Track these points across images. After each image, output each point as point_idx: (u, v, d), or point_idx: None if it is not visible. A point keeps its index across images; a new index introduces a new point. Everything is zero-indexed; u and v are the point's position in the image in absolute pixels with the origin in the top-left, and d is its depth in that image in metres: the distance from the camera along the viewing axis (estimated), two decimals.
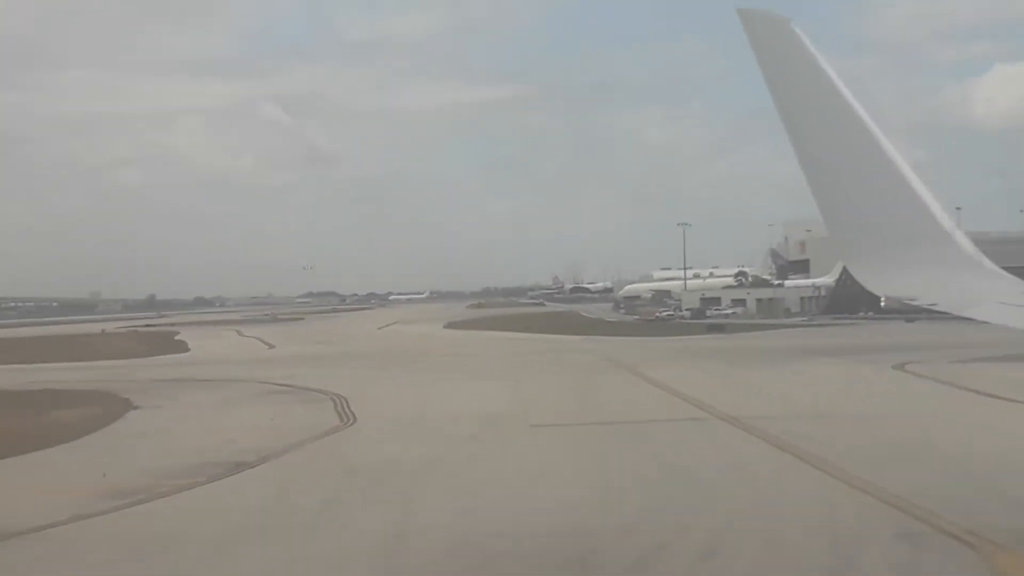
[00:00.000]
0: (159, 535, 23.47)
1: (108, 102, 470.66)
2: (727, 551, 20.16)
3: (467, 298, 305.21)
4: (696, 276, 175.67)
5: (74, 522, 24.24)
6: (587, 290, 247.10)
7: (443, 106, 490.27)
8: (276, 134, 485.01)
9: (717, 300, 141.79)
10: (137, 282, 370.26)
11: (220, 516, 25.42)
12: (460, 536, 22.06)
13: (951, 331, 65.86)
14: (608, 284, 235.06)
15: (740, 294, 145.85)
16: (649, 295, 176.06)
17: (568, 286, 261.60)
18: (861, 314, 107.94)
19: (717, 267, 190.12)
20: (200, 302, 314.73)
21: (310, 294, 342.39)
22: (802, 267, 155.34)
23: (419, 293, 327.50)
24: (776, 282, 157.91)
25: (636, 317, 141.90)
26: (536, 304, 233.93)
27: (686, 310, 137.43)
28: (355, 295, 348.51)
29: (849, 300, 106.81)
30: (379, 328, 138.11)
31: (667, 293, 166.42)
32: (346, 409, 44.91)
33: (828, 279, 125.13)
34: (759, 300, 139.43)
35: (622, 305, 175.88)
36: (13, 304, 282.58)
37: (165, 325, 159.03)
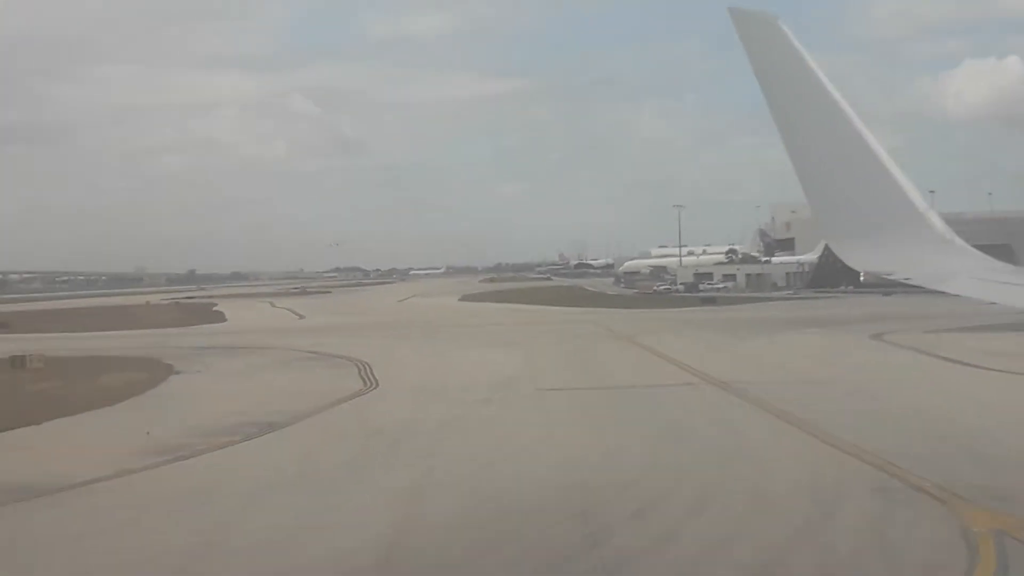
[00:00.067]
0: (198, 488, 23.58)
1: (153, 94, 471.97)
2: (717, 503, 20.20)
3: (480, 273, 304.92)
4: (690, 253, 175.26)
5: (121, 476, 24.40)
6: (590, 266, 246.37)
7: (457, 99, 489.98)
8: (306, 124, 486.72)
9: (709, 275, 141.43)
10: (179, 258, 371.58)
11: (254, 471, 25.57)
12: (475, 490, 22.14)
13: (924, 304, 65.75)
14: (609, 260, 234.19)
15: (731, 270, 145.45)
16: (647, 270, 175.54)
17: (573, 262, 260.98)
18: (842, 288, 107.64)
19: (710, 245, 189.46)
20: (236, 276, 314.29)
21: (337, 269, 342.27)
22: (788, 245, 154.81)
23: (437, 268, 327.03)
24: (764, 259, 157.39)
25: (635, 291, 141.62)
26: (544, 279, 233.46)
27: (681, 284, 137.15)
28: (378, 270, 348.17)
29: (831, 275, 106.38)
30: (399, 300, 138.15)
31: (664, 269, 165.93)
32: (369, 374, 44.99)
33: (811, 256, 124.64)
34: (748, 275, 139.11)
35: (622, 280, 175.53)
36: (65, 278, 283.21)
37: (204, 297, 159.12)
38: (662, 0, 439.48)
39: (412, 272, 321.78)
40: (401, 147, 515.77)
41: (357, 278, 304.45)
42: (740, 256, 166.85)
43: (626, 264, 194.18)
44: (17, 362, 50.50)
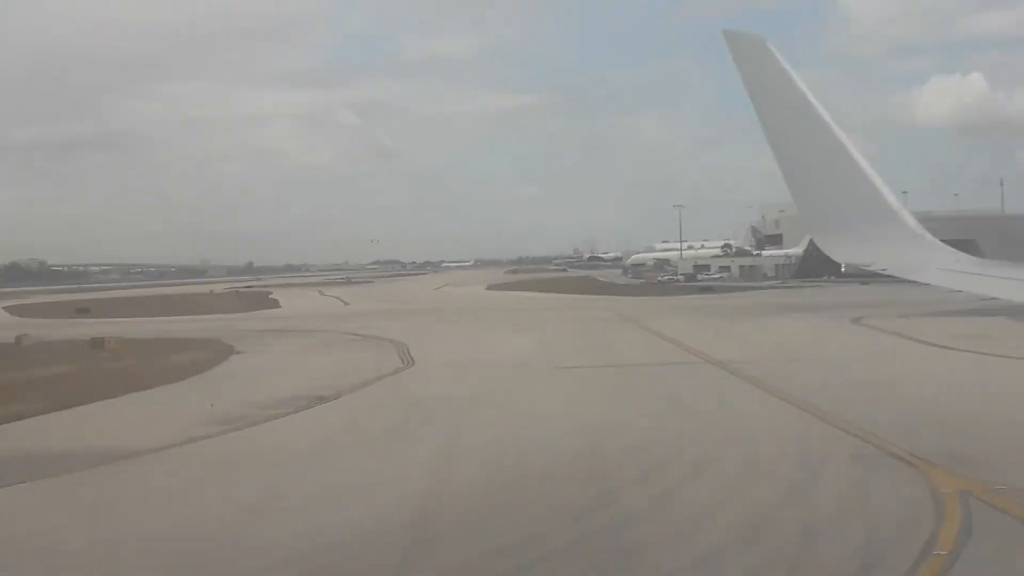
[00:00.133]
0: (257, 453, 23.85)
1: (215, 108, 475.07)
2: (713, 467, 20.21)
3: (504, 265, 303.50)
4: (690, 247, 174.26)
5: (188, 443, 24.58)
6: (601, 259, 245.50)
7: (482, 111, 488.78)
8: (349, 134, 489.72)
9: (707, 267, 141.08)
10: (238, 251, 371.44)
11: (306, 438, 25.78)
12: (499, 456, 22.20)
13: (898, 292, 65.31)
14: (618, 254, 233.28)
15: (726, 262, 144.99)
16: (652, 263, 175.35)
17: (586, 255, 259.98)
18: (825, 278, 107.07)
19: (707, 240, 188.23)
20: (289, 268, 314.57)
21: (377, 262, 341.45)
22: (776, 240, 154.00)
23: (466, 261, 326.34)
24: (755, 252, 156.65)
25: (641, 281, 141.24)
26: (560, 270, 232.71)
27: (681, 275, 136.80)
28: (414, 262, 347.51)
29: (815, 266, 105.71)
30: (434, 289, 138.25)
31: (666, 261, 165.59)
32: (407, 354, 45.10)
33: (797, 249, 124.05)
34: (741, 267, 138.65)
35: (630, 271, 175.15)
36: (139, 269, 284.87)
37: (261, 287, 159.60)
38: (664, 22, 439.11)
39: (444, 264, 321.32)
40: (432, 154, 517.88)
41: (396, 270, 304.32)
42: (734, 250, 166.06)
43: (633, 257, 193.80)
44: (97, 343, 50.91)
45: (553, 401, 30.42)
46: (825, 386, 31.15)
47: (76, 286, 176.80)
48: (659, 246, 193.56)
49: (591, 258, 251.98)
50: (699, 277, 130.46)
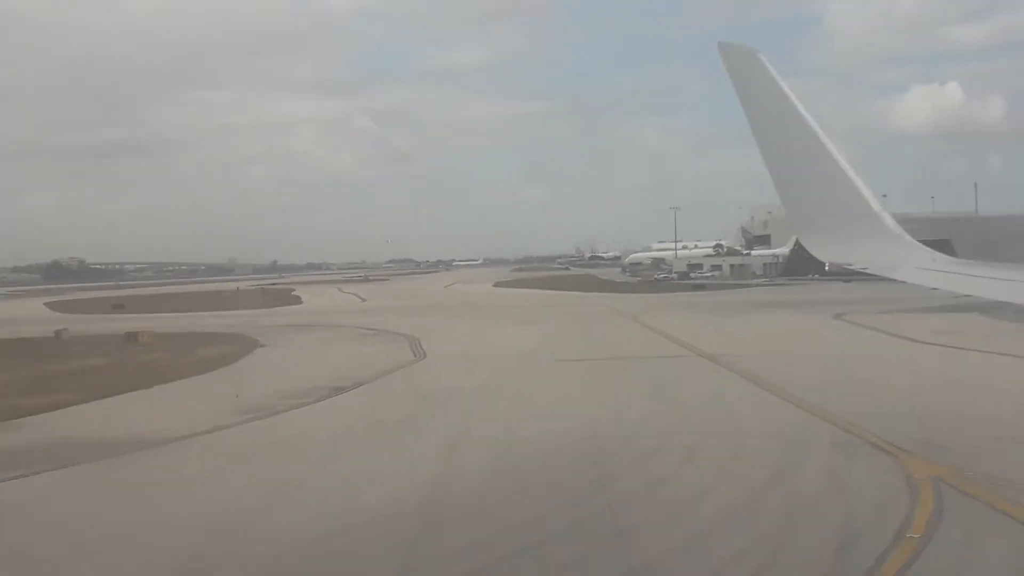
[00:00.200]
0: (279, 440, 23.80)
1: (242, 114, 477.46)
2: (703, 454, 20.11)
3: (511, 264, 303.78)
4: (684, 247, 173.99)
5: (215, 431, 24.60)
6: (601, 258, 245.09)
7: (491, 117, 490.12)
8: (367, 139, 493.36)
9: (700, 265, 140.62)
10: (263, 250, 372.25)
11: (325, 426, 25.73)
12: (505, 442, 22.17)
13: (878, 289, 65.05)
14: (617, 253, 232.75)
15: (718, 261, 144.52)
16: (649, 262, 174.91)
17: (587, 255, 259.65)
18: (810, 276, 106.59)
19: (700, 240, 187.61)
20: (311, 266, 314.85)
21: (392, 260, 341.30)
22: (765, 240, 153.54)
23: (475, 260, 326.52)
24: (745, 252, 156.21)
25: (638, 279, 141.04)
26: (563, 269, 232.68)
27: (676, 273, 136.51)
28: (427, 261, 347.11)
29: (801, 265, 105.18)
30: (445, 287, 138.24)
31: (662, 260, 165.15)
32: (419, 347, 45.06)
33: (784, 249, 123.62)
34: (732, 266, 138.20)
35: (628, 269, 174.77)
36: (171, 268, 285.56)
37: (284, 284, 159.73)
38: (663, 34, 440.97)
39: (455, 263, 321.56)
40: (444, 158, 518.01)
41: (409, 268, 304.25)
42: (725, 249, 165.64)
43: (631, 256, 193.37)
44: (131, 337, 50.98)
45: (554, 392, 30.26)
46: (808, 378, 31.03)
47: (113, 284, 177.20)
48: (655, 246, 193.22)
49: (592, 257, 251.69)
50: (692, 275, 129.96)
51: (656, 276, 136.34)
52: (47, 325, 64.11)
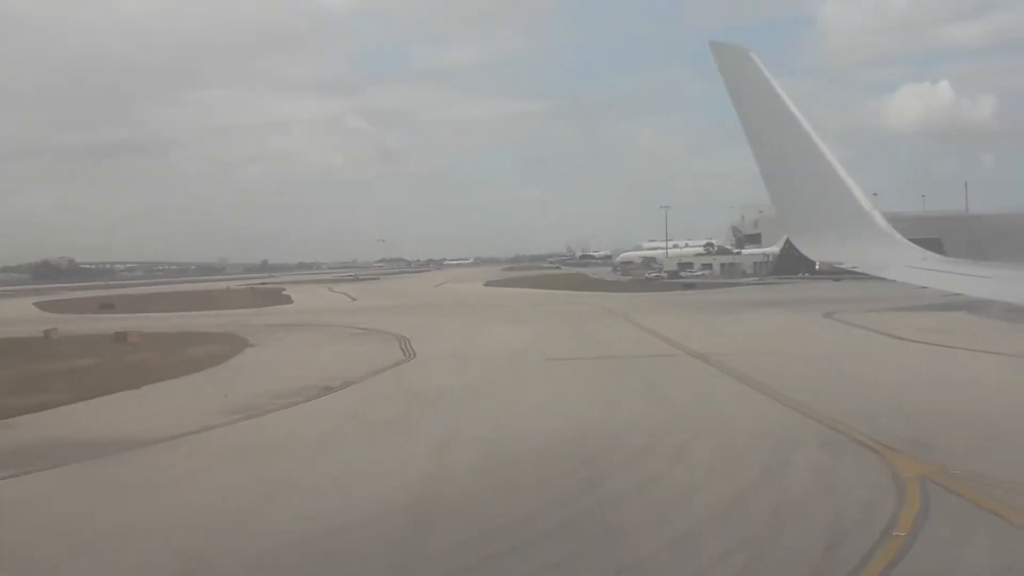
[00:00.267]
0: (268, 440, 23.70)
1: (238, 114, 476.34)
2: (693, 453, 20.10)
3: (502, 263, 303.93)
4: (675, 246, 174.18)
5: (204, 431, 24.49)
6: (592, 257, 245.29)
7: (487, 118, 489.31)
8: (360, 139, 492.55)
9: (690, 264, 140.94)
10: (254, 250, 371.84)
11: (315, 426, 25.62)
12: (495, 441, 22.14)
13: (868, 288, 65.28)
14: (608, 252, 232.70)
15: (708, 260, 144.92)
16: (640, 260, 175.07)
17: (578, 254, 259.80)
18: (800, 275, 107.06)
19: (691, 239, 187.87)
20: (302, 266, 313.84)
21: (383, 260, 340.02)
22: (755, 239, 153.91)
23: (466, 259, 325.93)
24: (735, 251, 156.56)
25: (629, 278, 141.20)
26: (554, 268, 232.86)
27: (666, 272, 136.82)
28: (417, 260, 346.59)
29: (791, 264, 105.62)
30: (435, 286, 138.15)
31: (653, 259, 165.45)
32: (408, 347, 44.99)
33: (775, 248, 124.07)
34: (723, 264, 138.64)
35: (619, 268, 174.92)
36: (161, 267, 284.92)
37: (274, 283, 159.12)
38: (662, 35, 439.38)
39: (446, 262, 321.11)
40: (438, 158, 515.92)
41: (400, 267, 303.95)
42: (716, 248, 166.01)
43: (621, 255, 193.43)
44: (120, 337, 50.73)
45: (544, 391, 30.24)
46: (796, 377, 31.03)
47: (103, 283, 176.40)
48: (646, 245, 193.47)
49: (583, 256, 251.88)
50: (683, 274, 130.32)
51: (647, 275, 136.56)
52: (36, 325, 63.76)
